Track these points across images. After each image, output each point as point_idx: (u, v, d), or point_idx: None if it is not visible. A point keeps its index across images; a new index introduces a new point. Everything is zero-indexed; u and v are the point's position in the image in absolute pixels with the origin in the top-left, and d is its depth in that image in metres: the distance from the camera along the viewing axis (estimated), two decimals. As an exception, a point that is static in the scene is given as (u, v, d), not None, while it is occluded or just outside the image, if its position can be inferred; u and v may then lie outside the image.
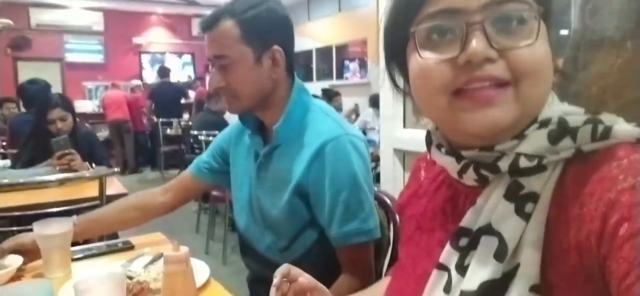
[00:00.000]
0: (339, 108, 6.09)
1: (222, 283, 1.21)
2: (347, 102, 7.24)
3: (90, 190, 2.24)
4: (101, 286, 0.85)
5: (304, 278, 0.83)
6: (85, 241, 1.52)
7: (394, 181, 1.95)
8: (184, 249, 0.93)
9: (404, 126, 1.92)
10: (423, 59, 0.60)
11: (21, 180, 2.10)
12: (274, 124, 1.24)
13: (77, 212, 2.03)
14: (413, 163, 0.88)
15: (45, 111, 2.89)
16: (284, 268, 0.82)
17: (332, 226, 1.19)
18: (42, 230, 1.28)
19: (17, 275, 1.26)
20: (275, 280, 0.79)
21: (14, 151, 3.25)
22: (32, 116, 3.13)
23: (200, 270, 1.24)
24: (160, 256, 1.34)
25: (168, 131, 7.68)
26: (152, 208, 1.51)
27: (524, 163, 0.59)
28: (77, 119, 3.14)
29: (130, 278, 1.16)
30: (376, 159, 2.58)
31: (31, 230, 1.30)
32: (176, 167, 7.56)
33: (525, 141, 0.59)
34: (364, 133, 4.87)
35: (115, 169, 2.50)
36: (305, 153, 1.19)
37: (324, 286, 0.87)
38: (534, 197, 0.58)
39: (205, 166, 1.48)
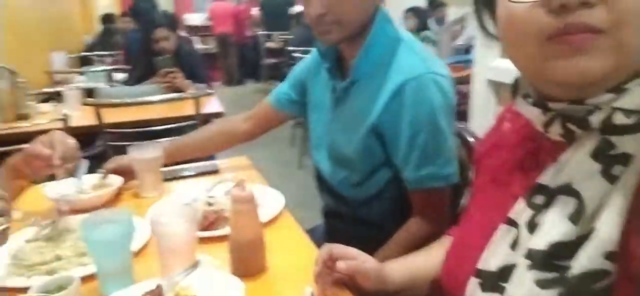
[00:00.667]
0: (441, 20, 5.70)
1: (307, 206, 1.23)
2: (455, 14, 6.74)
3: (190, 108, 2.38)
4: (174, 219, 0.92)
5: (344, 265, 0.83)
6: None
7: (485, 114, 1.82)
8: (250, 189, 0.96)
9: (501, 55, 1.75)
10: (512, 3, 0.57)
11: (128, 100, 2.29)
12: (353, 57, 1.19)
13: (178, 130, 2.21)
14: (498, 113, 0.83)
15: (150, 30, 3.07)
16: (324, 253, 0.83)
17: (406, 168, 1.15)
18: (136, 154, 1.39)
19: (118, 195, 1.41)
20: (317, 268, 0.81)
21: (129, 67, 3.54)
22: (141, 33, 3.34)
23: (276, 200, 1.29)
24: (242, 182, 1.41)
25: (268, 44, 7.82)
26: (235, 135, 1.57)
27: (620, 119, 0.54)
28: (182, 37, 3.31)
29: (210, 204, 1.24)
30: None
31: (137, 144, 1.44)
32: (277, 80, 7.76)
33: (626, 95, 0.54)
34: (468, 51, 4.54)
35: (211, 91, 2.62)
36: (384, 92, 1.14)
37: (367, 261, 0.86)
38: (625, 159, 0.54)
39: (284, 96, 1.48)
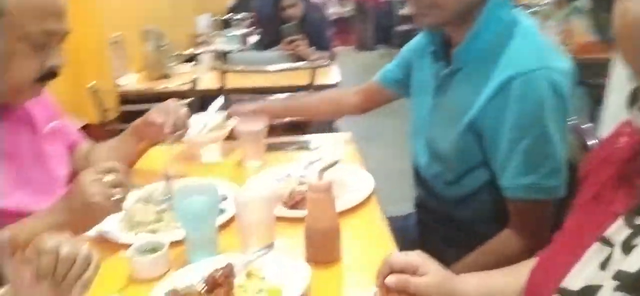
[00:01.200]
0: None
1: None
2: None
3: (308, 78, 2.44)
4: (253, 200, 0.96)
5: (394, 280, 0.79)
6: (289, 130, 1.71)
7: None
8: (328, 179, 0.95)
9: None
10: (633, 3, 0.52)
11: (249, 67, 2.42)
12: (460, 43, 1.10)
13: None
14: (616, 127, 0.73)
15: (278, -3, 3.17)
16: (384, 267, 0.79)
17: (504, 175, 1.04)
18: (241, 125, 1.47)
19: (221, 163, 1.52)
20: (378, 281, 0.79)
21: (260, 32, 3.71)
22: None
23: (365, 184, 1.27)
24: (335, 163, 1.41)
25: (402, 11, 7.63)
26: (343, 106, 1.59)
27: None
28: (311, 4, 3.37)
29: (301, 183, 1.26)
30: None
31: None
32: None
33: None
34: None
35: (327, 62, 2.65)
36: (489, 86, 1.03)
37: (429, 273, 0.80)
38: None
39: (391, 75, 1.43)
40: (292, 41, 3.08)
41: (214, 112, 1.57)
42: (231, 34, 4.31)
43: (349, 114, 1.60)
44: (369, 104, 1.54)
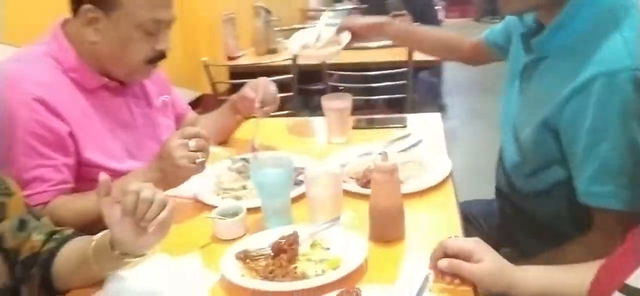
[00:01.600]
0: None
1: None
2: None
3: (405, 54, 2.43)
4: (323, 177, 1.02)
5: (446, 263, 0.82)
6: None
7: None
8: (392, 161, 0.98)
9: None
10: None
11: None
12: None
13: (392, 76, 2.28)
14: None
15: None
16: (438, 250, 0.81)
17: (579, 178, 0.97)
18: (327, 103, 1.53)
19: (305, 138, 1.59)
20: (431, 263, 0.82)
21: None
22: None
23: (442, 168, 1.26)
24: (414, 144, 1.42)
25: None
26: (454, 51, 1.58)
27: None
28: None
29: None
30: None
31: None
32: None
33: None
34: None
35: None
36: (572, 81, 0.94)
37: (483, 260, 0.81)
38: None
39: (492, 37, 1.39)
40: (395, 16, 3.05)
41: (324, 24, 1.56)
42: (339, 9, 4.37)
43: (458, 60, 1.59)
44: (475, 59, 1.52)
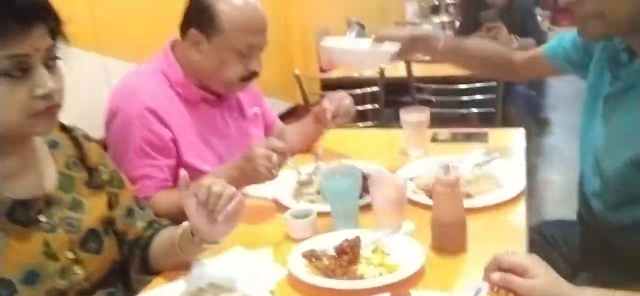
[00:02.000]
0: None
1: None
2: None
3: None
4: (386, 186, 1.07)
5: (498, 276, 0.81)
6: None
7: None
8: (454, 174, 1.00)
9: None
10: None
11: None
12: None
13: (480, 90, 2.25)
14: None
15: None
16: (491, 263, 0.81)
17: None
18: (405, 116, 1.57)
19: (382, 149, 1.63)
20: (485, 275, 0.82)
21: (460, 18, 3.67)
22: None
23: (516, 185, 1.24)
24: (490, 159, 1.41)
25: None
26: (505, 66, 1.47)
27: None
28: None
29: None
30: None
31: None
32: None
33: None
34: None
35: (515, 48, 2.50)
36: None
37: (537, 276, 0.80)
38: None
39: (561, 51, 1.27)
40: (491, 28, 2.99)
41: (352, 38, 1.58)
42: (434, 21, 4.34)
43: (507, 78, 1.53)
44: (528, 72, 1.46)
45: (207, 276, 0.98)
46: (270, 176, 1.18)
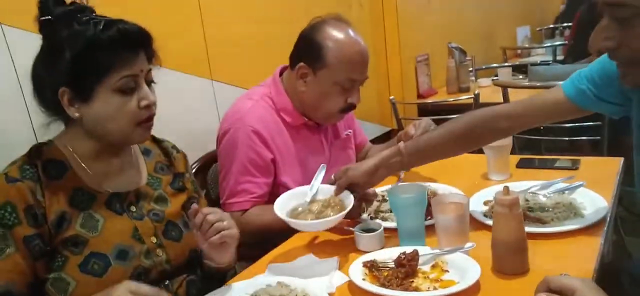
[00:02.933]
0: None
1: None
2: None
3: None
4: (449, 205, 1.11)
5: None
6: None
7: None
8: (513, 193, 1.01)
9: None
10: None
11: (527, 84, 2.37)
12: None
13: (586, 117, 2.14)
14: None
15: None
16: (542, 285, 0.80)
17: None
18: (486, 142, 1.57)
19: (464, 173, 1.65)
20: None
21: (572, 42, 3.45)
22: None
23: (595, 214, 1.20)
24: (572, 187, 1.36)
25: None
26: (488, 129, 1.28)
27: None
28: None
29: (526, 199, 1.29)
30: None
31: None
32: None
33: None
34: None
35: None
36: None
37: None
38: None
39: (587, 86, 1.13)
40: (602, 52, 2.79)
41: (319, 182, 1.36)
42: (548, 45, 4.14)
43: (525, 127, 1.29)
44: (548, 116, 1.22)
45: (281, 275, 1.10)
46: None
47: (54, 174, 1.04)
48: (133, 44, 1.02)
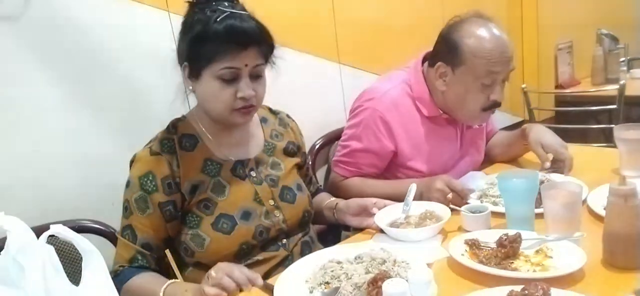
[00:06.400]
0: None
1: None
2: None
3: None
4: (559, 192, 1.09)
5: None
6: None
7: None
8: (630, 184, 0.96)
9: None
10: None
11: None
12: None
13: None
14: None
15: None
16: None
17: None
18: (618, 133, 1.46)
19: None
20: None
21: None
22: None
23: None
24: None
25: None
26: None
27: None
28: None
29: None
30: None
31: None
32: None
33: None
34: None
35: None
36: None
37: None
38: None
39: None
40: None
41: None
42: None
43: None
44: None
45: (383, 243, 1.19)
46: (441, 202, 1.33)
47: (188, 146, 1.22)
48: (239, 40, 1.12)
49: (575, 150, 1.70)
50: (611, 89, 2.39)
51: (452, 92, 1.53)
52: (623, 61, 2.94)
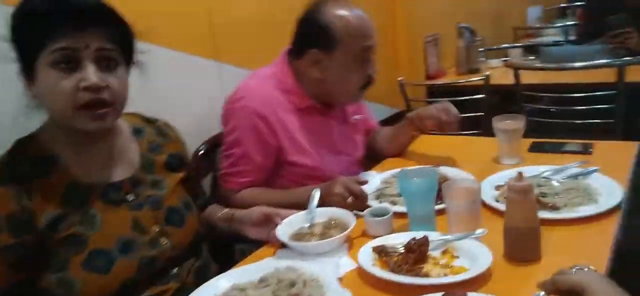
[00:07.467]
0: None
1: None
2: None
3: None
4: (461, 190, 1.09)
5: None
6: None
7: None
8: (526, 181, 0.99)
9: None
10: None
11: (546, 65, 2.33)
12: None
13: (593, 99, 2.11)
14: None
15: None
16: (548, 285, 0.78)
17: None
18: (498, 124, 1.54)
19: (470, 153, 1.62)
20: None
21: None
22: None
23: (609, 199, 1.17)
24: (586, 173, 1.34)
25: None
26: None
27: None
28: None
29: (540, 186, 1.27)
30: None
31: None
32: None
33: None
34: None
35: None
36: None
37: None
38: None
39: None
40: (619, 33, 2.73)
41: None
42: (558, 25, 4.06)
43: None
44: None
45: (287, 261, 1.09)
46: (341, 206, 1.28)
47: (42, 172, 0.97)
48: (74, 15, 0.91)
49: (454, 141, 1.79)
50: (478, 79, 2.56)
51: (332, 75, 1.49)
52: (481, 51, 3.21)
